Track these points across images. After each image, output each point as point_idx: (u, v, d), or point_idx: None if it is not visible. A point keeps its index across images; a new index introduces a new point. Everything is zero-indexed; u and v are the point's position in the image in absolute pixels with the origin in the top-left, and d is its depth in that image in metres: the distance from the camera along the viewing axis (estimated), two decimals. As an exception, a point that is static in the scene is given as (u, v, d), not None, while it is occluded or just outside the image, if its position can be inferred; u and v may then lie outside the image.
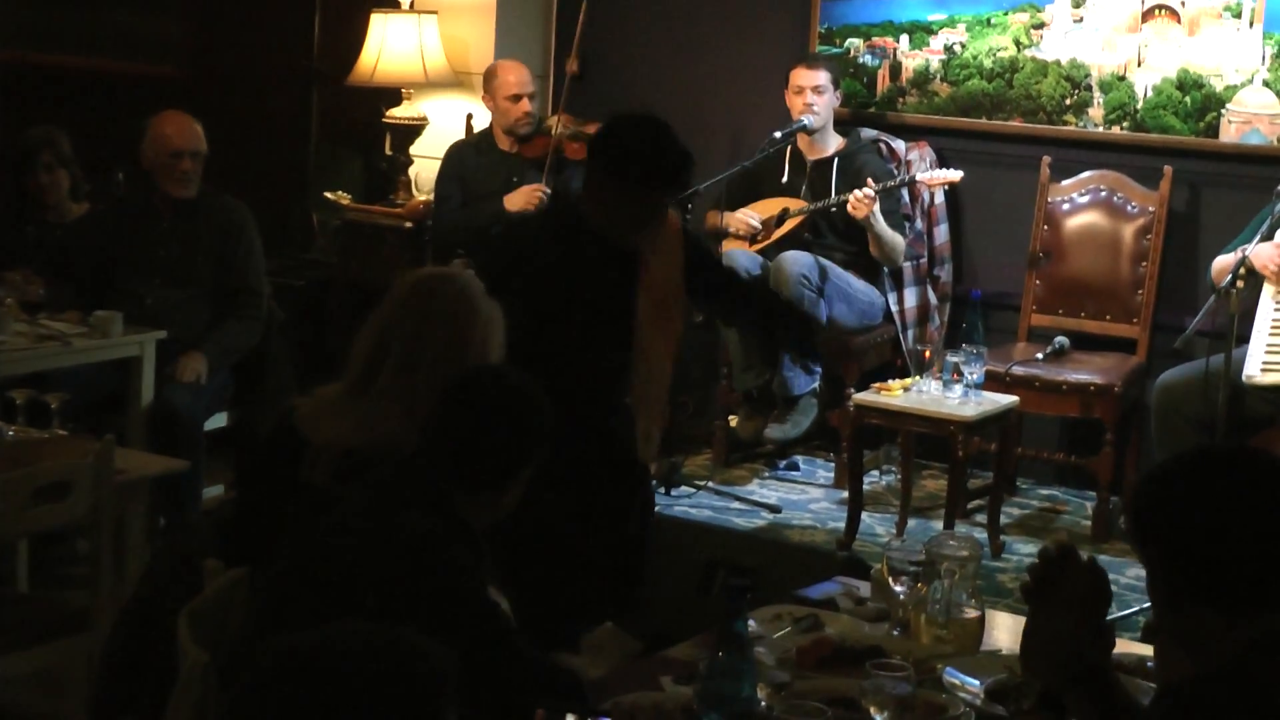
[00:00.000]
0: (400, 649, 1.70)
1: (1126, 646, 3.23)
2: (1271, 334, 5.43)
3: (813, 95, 6.47)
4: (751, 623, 3.14)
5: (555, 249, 4.38)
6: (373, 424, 3.22)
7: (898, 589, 3.26)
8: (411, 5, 7.36)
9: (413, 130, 7.34)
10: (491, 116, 6.90)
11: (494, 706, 2.56)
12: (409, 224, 7.15)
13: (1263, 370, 5.40)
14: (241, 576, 3.00)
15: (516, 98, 6.78)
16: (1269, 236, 5.39)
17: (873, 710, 2.68)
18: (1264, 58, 6.16)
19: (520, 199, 6.65)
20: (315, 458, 3.22)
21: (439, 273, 3.51)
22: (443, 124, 7.35)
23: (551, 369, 4.03)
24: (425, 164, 7.34)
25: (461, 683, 1.76)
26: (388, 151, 7.40)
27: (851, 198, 6.19)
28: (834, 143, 6.59)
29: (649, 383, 4.54)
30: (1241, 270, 5.23)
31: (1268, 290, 5.45)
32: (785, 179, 6.59)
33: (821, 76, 6.48)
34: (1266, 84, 6.16)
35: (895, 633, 3.24)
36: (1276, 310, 5.44)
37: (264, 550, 2.99)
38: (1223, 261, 5.66)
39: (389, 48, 7.19)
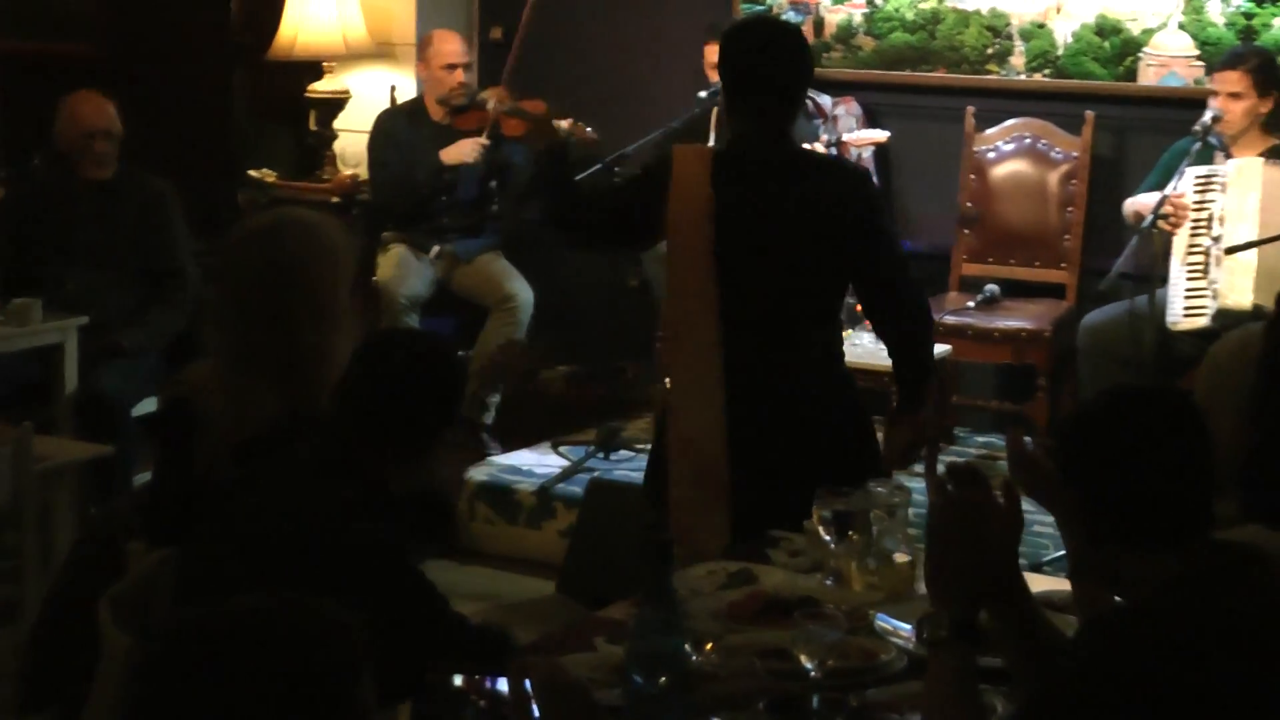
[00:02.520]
0: (311, 618, 1.68)
1: (1060, 584, 3.24)
2: (1189, 279, 5.48)
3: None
4: (685, 578, 3.14)
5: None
6: (247, 412, 3.13)
7: (829, 539, 3.26)
8: (330, -24, 7.29)
9: (336, 104, 7.28)
10: (424, 86, 6.81)
11: (422, 671, 2.54)
12: (337, 199, 7.10)
13: (1185, 315, 5.46)
14: (166, 558, 2.97)
15: (452, 67, 6.69)
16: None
17: (804, 659, 2.67)
18: (1179, 0, 6.18)
19: (458, 151, 6.56)
20: (211, 452, 3.15)
21: (242, 231, 3.34)
22: (366, 97, 7.29)
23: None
24: (351, 138, 7.29)
25: (379, 650, 1.74)
26: (312, 127, 7.34)
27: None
28: (758, 107, 6.53)
29: None
30: (1162, 210, 5.29)
31: (1179, 238, 5.50)
32: (712, 144, 6.55)
33: None
34: (1182, 27, 6.20)
35: (829, 582, 3.24)
36: (1190, 254, 5.49)
37: (186, 531, 2.96)
38: (1134, 203, 5.71)
39: (308, 20, 7.13)
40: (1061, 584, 3.26)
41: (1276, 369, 2.01)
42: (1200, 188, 5.51)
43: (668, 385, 4.06)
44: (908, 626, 2.90)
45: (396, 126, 6.75)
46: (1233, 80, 5.58)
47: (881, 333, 4.28)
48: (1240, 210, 5.43)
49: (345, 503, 2.77)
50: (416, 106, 6.82)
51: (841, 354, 4.15)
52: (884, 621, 2.94)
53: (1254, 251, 5.34)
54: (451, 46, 6.73)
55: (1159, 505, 2.22)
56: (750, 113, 3.99)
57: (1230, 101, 5.57)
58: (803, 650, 2.68)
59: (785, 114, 4.02)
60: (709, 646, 2.71)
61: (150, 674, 1.62)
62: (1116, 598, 2.35)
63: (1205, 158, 5.57)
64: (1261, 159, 5.51)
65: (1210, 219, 5.47)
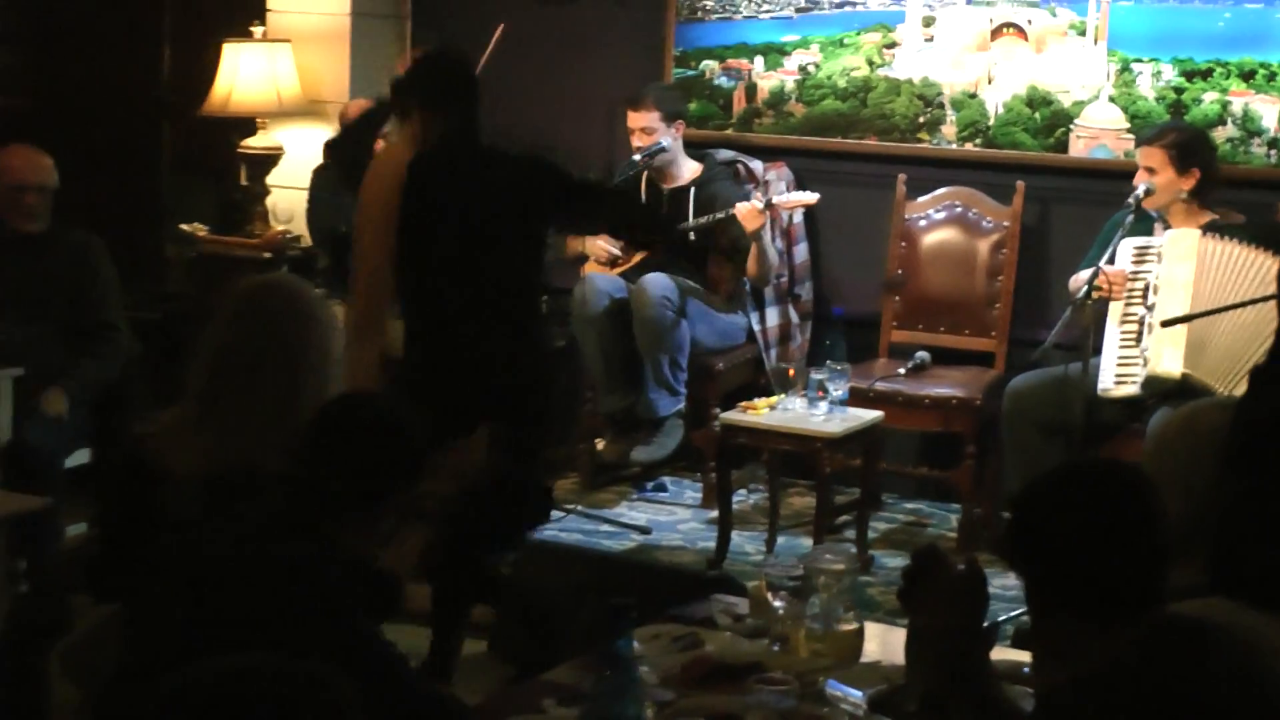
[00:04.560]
0: (306, 679, 1.68)
1: (998, 653, 3.27)
2: (1121, 348, 5.56)
3: (641, 137, 6.46)
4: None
5: None
6: (225, 447, 3.18)
7: (776, 604, 3.28)
8: (264, 35, 7.30)
9: (268, 160, 7.27)
10: None
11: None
12: (267, 254, 7.08)
13: (1116, 383, 5.54)
14: (114, 612, 2.94)
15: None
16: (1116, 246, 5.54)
17: (757, 725, 2.69)
18: (1109, 74, 6.30)
19: None
20: (177, 491, 3.17)
21: (266, 281, 3.47)
22: (298, 153, 7.28)
23: None
24: (282, 194, 7.28)
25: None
26: (243, 182, 7.32)
27: (744, 209, 6.17)
28: (688, 170, 6.58)
29: None
30: (1095, 283, 5.37)
31: (1114, 307, 5.58)
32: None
33: (649, 118, 6.44)
34: (1112, 100, 6.30)
35: (774, 648, 3.25)
36: (1124, 323, 5.57)
37: (133, 585, 2.94)
38: (1076, 279, 5.80)
39: (242, 77, 7.12)
40: (1002, 653, 3.30)
41: (1244, 444, 2.05)
42: (1136, 258, 5.59)
43: None
44: (858, 693, 2.92)
45: (330, 180, 6.73)
46: (1150, 156, 5.68)
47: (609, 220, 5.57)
48: (1173, 281, 5.51)
49: (295, 563, 2.76)
50: None
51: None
52: (834, 688, 2.95)
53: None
54: None
55: (1111, 579, 2.26)
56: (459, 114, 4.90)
57: (1147, 175, 5.66)
58: (755, 716, 2.70)
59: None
60: (663, 711, 2.72)
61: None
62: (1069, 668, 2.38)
63: (1143, 229, 5.65)
64: (1199, 231, 5.59)
65: (1146, 289, 5.56)
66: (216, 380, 3.25)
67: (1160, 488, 2.58)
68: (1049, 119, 6.40)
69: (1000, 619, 5.04)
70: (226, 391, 3.23)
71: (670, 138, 6.46)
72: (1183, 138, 5.68)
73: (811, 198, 6.31)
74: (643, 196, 6.59)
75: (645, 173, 6.58)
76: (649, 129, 6.44)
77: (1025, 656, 3.07)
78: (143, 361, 6.07)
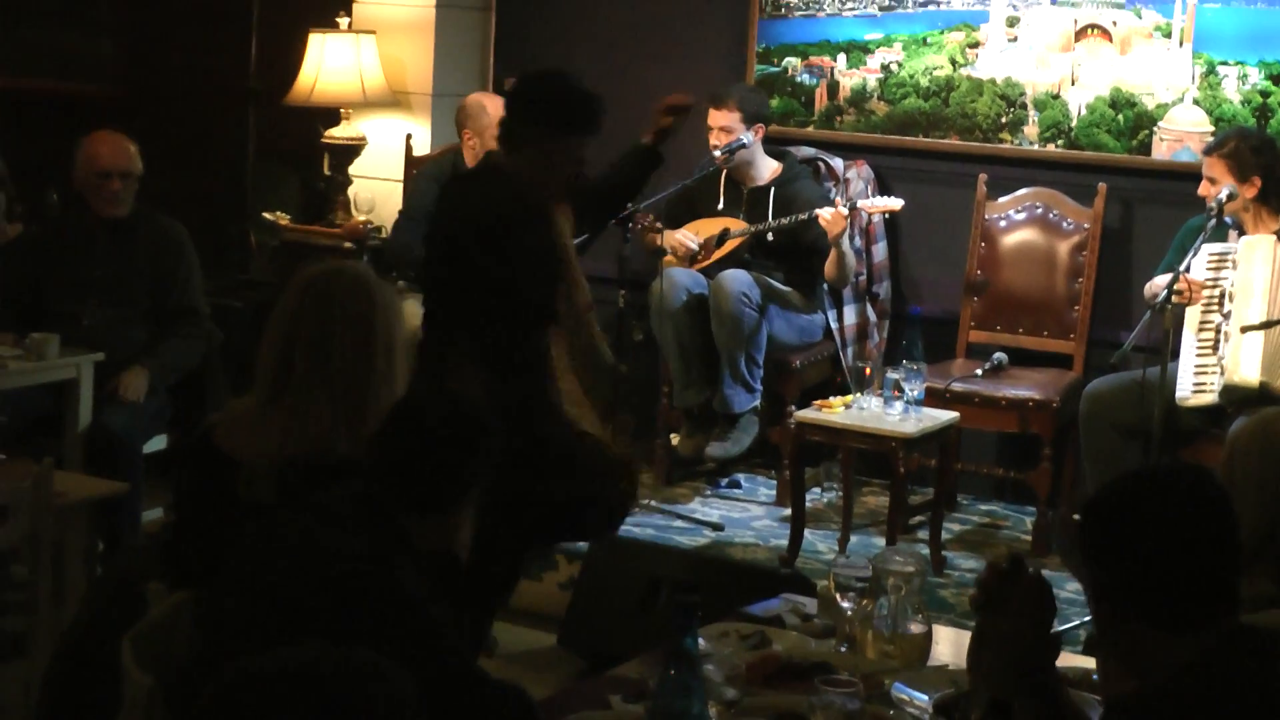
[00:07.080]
0: (364, 671, 1.69)
1: (1069, 659, 3.26)
2: (1198, 355, 5.53)
3: (720, 136, 6.43)
4: (700, 640, 3.15)
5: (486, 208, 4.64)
6: (301, 429, 3.21)
7: (844, 604, 3.27)
8: (350, 25, 7.35)
9: (351, 150, 7.31)
10: (467, 152, 6.56)
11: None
12: (348, 244, 7.11)
13: (1194, 391, 5.50)
14: (186, 599, 2.98)
15: None
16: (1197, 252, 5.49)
17: (822, 726, 2.69)
18: (1194, 77, 6.24)
19: None
20: (252, 474, 3.20)
21: (330, 267, 3.47)
22: (381, 144, 7.33)
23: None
24: (364, 184, 7.32)
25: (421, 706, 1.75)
26: (326, 171, 7.37)
27: (826, 215, 6.16)
28: (768, 169, 6.57)
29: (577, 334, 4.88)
30: (1175, 286, 5.33)
31: (1190, 313, 5.54)
32: (721, 205, 6.60)
33: (730, 118, 6.41)
34: (1196, 102, 6.24)
35: (842, 648, 3.25)
36: (1202, 330, 5.53)
37: (206, 573, 2.97)
38: (1152, 284, 5.76)
39: (327, 67, 7.17)
40: (1073, 660, 3.29)
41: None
42: (1214, 265, 5.55)
43: None
44: (924, 696, 2.91)
45: (435, 187, 6.36)
46: (1211, 166, 5.63)
47: None
48: (1249, 287, 5.46)
49: (366, 556, 2.78)
50: (458, 164, 6.57)
51: None
52: (901, 691, 2.95)
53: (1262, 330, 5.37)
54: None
55: (1183, 586, 2.23)
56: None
57: (1209, 186, 5.62)
58: (821, 716, 2.69)
59: None
60: (728, 710, 2.72)
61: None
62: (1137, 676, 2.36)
63: (1219, 235, 5.61)
64: (1274, 237, 5.54)
65: (1222, 296, 5.52)
66: (284, 366, 3.28)
67: (1234, 495, 2.56)
68: (1132, 121, 6.35)
69: (1074, 624, 5.05)
70: (296, 378, 3.26)
71: (749, 137, 6.45)
72: (1241, 146, 5.62)
73: (896, 204, 6.29)
74: (721, 195, 6.59)
75: (724, 171, 6.57)
76: (728, 128, 6.42)
77: (1094, 663, 3.07)
78: (224, 349, 6.13)
